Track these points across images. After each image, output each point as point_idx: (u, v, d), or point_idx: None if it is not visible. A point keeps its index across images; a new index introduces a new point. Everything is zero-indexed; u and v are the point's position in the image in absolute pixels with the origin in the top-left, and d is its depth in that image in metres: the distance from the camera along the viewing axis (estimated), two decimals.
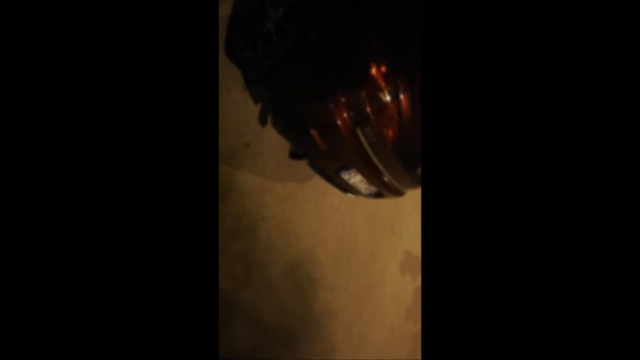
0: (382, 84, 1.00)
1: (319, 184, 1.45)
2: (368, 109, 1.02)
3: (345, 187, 1.30)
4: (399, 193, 1.33)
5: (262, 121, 1.32)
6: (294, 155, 1.22)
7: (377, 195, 1.34)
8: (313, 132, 1.11)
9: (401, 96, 1.01)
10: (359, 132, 1.06)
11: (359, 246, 1.67)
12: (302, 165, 1.38)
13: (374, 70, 1.00)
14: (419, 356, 1.94)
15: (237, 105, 1.22)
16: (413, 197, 1.93)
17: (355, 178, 1.22)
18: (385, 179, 1.22)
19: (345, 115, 1.05)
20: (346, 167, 1.18)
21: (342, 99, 1.04)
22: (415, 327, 1.95)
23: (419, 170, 1.19)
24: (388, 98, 1.01)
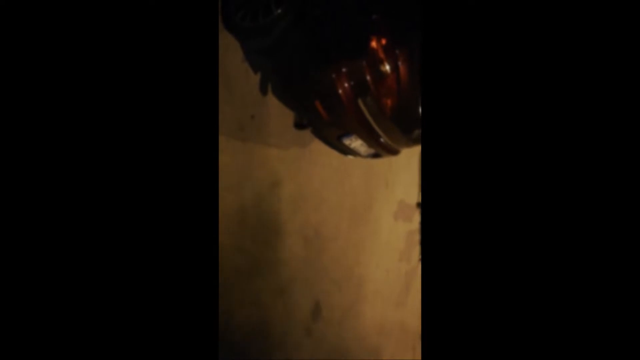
0: (382, 56, 1.05)
1: (318, 147, 1.54)
2: (368, 79, 1.09)
3: (346, 151, 1.40)
4: (395, 152, 1.44)
5: (263, 90, 1.36)
6: (299, 125, 1.29)
7: (375, 155, 1.45)
8: (316, 102, 1.17)
9: (400, 67, 1.07)
10: (360, 102, 1.13)
11: (356, 200, 1.83)
12: (302, 131, 1.45)
13: (374, 43, 1.05)
14: (411, 291, 2.22)
15: (240, 78, 1.26)
16: (406, 153, 2.05)
17: (355, 143, 1.32)
18: (383, 141, 1.32)
19: (346, 85, 1.11)
20: (347, 134, 1.26)
21: (344, 70, 1.09)
22: (407, 266, 2.20)
23: (415, 132, 1.30)
24: (388, 68, 1.07)
